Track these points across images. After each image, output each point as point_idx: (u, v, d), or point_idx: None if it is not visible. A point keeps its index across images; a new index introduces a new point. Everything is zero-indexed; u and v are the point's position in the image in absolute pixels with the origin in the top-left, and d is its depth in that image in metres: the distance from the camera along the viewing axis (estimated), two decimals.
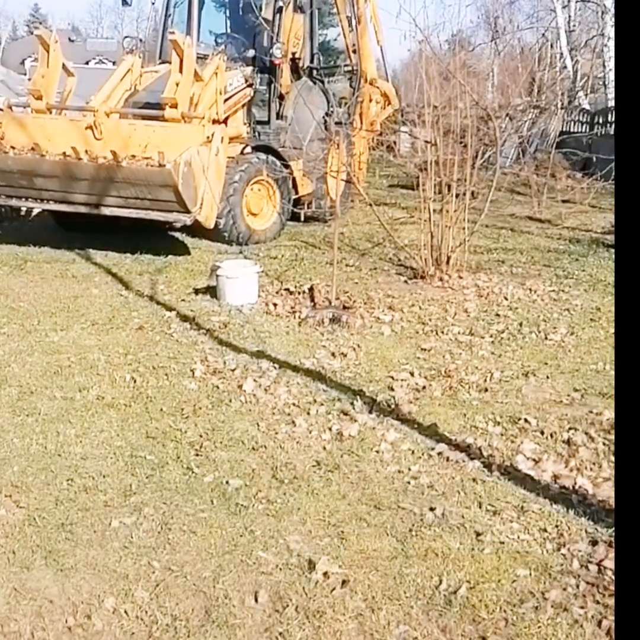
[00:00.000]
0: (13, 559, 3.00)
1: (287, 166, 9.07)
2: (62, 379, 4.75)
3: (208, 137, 7.57)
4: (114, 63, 18.75)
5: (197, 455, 3.82)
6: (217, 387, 4.65)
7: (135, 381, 4.73)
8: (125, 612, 2.73)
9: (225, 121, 8.51)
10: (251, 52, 9.64)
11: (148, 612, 2.73)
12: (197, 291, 6.73)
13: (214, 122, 8.09)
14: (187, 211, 7.34)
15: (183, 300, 6.52)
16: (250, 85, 9.17)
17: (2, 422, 4.14)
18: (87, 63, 24.57)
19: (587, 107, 18.74)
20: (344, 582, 2.88)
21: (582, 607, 2.75)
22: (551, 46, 23.35)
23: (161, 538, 3.14)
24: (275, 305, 6.29)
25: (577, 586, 2.87)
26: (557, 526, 3.24)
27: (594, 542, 3.12)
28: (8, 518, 3.26)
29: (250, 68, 9.28)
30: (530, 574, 2.94)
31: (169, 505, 3.37)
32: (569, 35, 21.20)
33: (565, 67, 20.69)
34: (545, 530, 3.21)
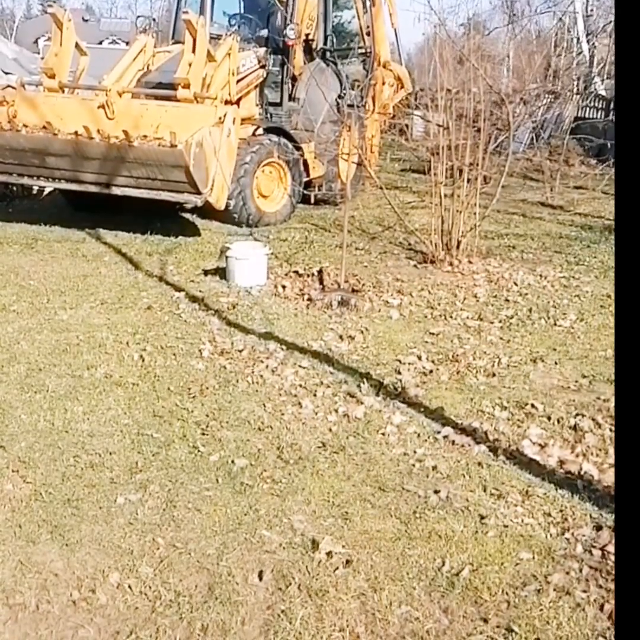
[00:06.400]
0: (19, 532, 3.03)
1: (298, 148, 9.05)
2: (70, 357, 4.77)
3: (220, 118, 7.54)
4: (127, 43, 18.69)
5: (203, 434, 3.84)
6: (225, 368, 4.67)
7: (143, 360, 4.75)
8: (129, 587, 2.76)
9: (237, 102, 8.47)
10: (264, 33, 9.59)
11: (152, 587, 2.76)
12: (206, 272, 6.73)
13: (226, 103, 8.06)
14: (198, 192, 7.33)
15: (192, 281, 6.52)
16: (263, 67, 9.12)
17: (11, 398, 4.17)
18: (100, 43, 24.55)
19: (603, 93, 18.51)
20: (347, 562, 2.89)
21: (584, 591, 2.76)
22: (568, 31, 23.07)
23: (166, 515, 3.16)
24: (284, 287, 6.29)
25: (580, 570, 2.87)
26: (561, 511, 3.24)
27: (598, 528, 3.12)
28: (15, 493, 3.29)
29: (263, 49, 9.22)
30: (534, 558, 2.94)
31: (174, 483, 3.39)
32: (587, 20, 20.95)
33: (581, 52, 20.45)
34: (549, 514, 3.21)
